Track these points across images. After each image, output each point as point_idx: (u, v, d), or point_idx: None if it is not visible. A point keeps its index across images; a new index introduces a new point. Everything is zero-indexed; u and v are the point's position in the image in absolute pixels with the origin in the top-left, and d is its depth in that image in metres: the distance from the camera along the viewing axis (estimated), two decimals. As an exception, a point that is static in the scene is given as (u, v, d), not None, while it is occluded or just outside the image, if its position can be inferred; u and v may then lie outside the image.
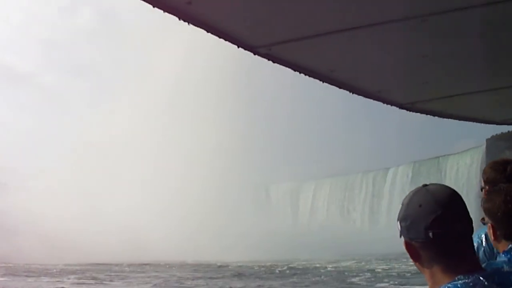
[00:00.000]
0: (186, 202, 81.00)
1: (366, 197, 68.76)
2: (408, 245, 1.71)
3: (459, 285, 1.59)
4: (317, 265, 44.87)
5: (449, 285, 1.60)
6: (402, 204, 1.77)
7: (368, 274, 32.27)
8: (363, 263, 40.71)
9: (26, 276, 34.32)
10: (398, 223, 1.75)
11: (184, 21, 3.29)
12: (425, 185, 1.75)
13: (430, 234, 1.63)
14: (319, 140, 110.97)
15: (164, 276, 37.35)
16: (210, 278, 34.05)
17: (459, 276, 1.61)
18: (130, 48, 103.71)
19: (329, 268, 41.01)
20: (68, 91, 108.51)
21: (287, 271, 39.24)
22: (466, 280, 1.60)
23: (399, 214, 1.75)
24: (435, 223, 1.64)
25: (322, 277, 33.06)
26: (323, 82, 4.46)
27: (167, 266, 49.03)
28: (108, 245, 61.21)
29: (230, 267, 45.93)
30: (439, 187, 1.72)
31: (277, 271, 39.40)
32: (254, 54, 3.92)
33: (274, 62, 4.01)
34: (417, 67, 4.40)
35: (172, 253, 61.44)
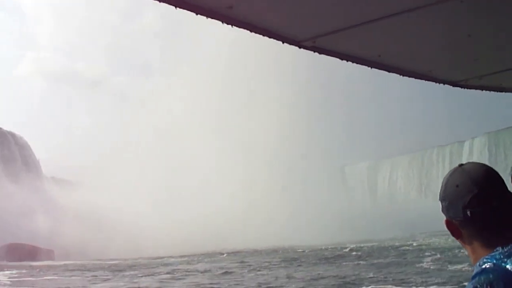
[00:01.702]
0: (257, 189, 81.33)
1: (444, 172, 67.20)
2: (448, 224, 1.87)
3: (497, 256, 1.72)
4: (397, 244, 44.33)
5: (488, 257, 1.74)
6: (442, 185, 1.93)
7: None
8: (450, 240, 39.92)
9: (116, 271, 35.42)
10: (440, 202, 1.91)
11: (227, 24, 3.48)
12: (461, 165, 1.88)
13: (468, 212, 1.77)
14: (392, 118, 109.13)
15: (249, 262, 37.74)
16: (290, 263, 34.07)
17: (497, 248, 1.74)
18: (190, 45, 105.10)
19: (409, 247, 40.48)
20: (136, 91, 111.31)
21: (368, 253, 38.98)
22: (503, 250, 1.73)
23: (439, 194, 1.92)
24: (472, 202, 1.77)
25: (407, 257, 32.62)
26: (371, 67, 4.57)
27: (243, 254, 49.60)
28: (185, 237, 62.33)
29: (309, 251, 46.04)
30: (475, 166, 1.84)
31: (356, 253, 39.23)
32: (300, 48, 4.06)
33: (320, 53, 4.14)
34: (464, 46, 4.44)
35: (250, 240, 61.95)
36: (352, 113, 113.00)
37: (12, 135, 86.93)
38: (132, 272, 33.08)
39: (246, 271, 30.40)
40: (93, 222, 65.87)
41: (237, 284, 24.12)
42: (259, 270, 29.88)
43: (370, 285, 20.15)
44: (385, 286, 19.77)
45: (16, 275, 33.56)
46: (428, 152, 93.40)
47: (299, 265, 32.80)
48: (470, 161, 1.94)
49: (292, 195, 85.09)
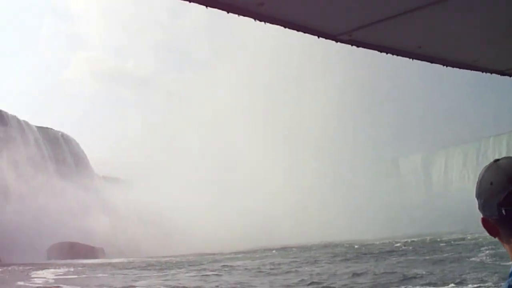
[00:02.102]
0: (306, 183, 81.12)
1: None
2: (485, 222, 1.79)
3: None
4: (451, 237, 43.51)
5: None
6: (477, 181, 1.85)
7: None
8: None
9: (161, 268, 35.83)
10: (476, 200, 1.84)
11: (260, 21, 3.45)
12: (496, 160, 1.80)
13: (503, 211, 1.69)
14: (445, 108, 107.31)
15: (305, 257, 37.70)
16: (347, 259, 33.84)
17: None
18: (236, 39, 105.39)
19: (464, 241, 39.69)
20: (185, 88, 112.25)
21: (420, 247, 38.39)
22: None
23: (475, 191, 1.84)
24: (507, 200, 1.68)
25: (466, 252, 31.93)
26: (412, 59, 4.46)
27: (294, 250, 49.52)
28: (236, 233, 62.59)
29: (360, 245, 45.69)
30: (511, 162, 1.74)
31: (408, 247, 38.69)
32: (336, 42, 3.99)
33: (357, 46, 4.06)
34: (511, 33, 4.30)
35: (299, 236, 61.83)
36: (403, 105, 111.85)
37: (63, 135, 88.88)
38: (178, 270, 33.38)
39: (291, 267, 30.32)
40: (144, 220, 66.84)
41: (281, 280, 24.09)
42: (300, 267, 29.69)
43: (421, 282, 19.78)
44: (437, 283, 19.37)
45: (62, 273, 34.30)
46: (483, 142, 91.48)
47: (347, 260, 32.54)
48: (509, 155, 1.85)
49: (342, 189, 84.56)
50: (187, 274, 29.06)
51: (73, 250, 59.27)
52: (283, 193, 79.54)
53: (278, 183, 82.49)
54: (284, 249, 51.46)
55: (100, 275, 31.63)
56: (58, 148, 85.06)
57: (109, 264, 45.15)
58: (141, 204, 71.05)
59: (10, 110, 79.11)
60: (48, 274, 32.79)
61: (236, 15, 3.34)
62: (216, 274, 27.75)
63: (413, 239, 45.62)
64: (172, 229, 65.64)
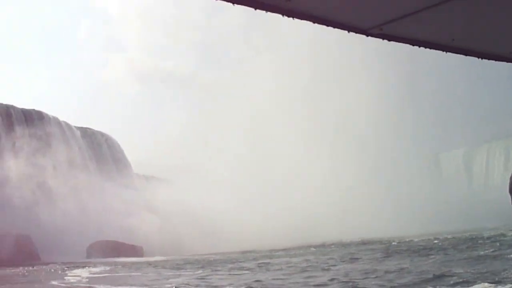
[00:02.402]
0: (345, 180, 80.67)
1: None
2: None
3: None
4: (493, 234, 42.76)
5: None
6: (510, 177, 1.83)
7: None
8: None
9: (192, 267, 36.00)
10: (509, 194, 1.81)
11: (288, 16, 3.42)
12: None
13: None
14: (487, 102, 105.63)
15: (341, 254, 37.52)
16: (385, 256, 33.52)
17: None
18: (274, 36, 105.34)
19: (506, 238, 38.99)
20: (225, 86, 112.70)
21: (461, 244, 37.81)
22: None
23: (509, 186, 1.81)
24: None
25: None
26: (445, 52, 4.39)
27: (332, 247, 49.36)
28: (274, 231, 62.63)
29: (399, 242, 45.26)
30: None
31: (447, 244, 38.14)
32: (367, 36, 3.95)
33: (389, 40, 4.00)
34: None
35: (342, 233, 61.54)
36: (444, 99, 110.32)
37: (103, 135, 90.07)
38: (214, 267, 33.46)
39: (328, 265, 30.17)
40: (184, 219, 67.28)
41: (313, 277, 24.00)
42: (335, 265, 29.49)
43: (458, 280, 19.41)
44: (475, 281, 19.01)
45: (97, 272, 34.71)
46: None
47: (385, 257, 32.23)
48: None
49: (383, 185, 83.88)
50: (221, 272, 29.11)
51: (113, 249, 59.98)
52: (323, 190, 79.26)
53: (317, 180, 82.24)
54: (323, 246, 51.36)
55: (134, 273, 31.89)
56: (98, 148, 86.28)
57: (147, 262, 45.58)
58: (181, 203, 71.58)
59: (50, 111, 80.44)
60: (83, 273, 33.21)
61: (264, 12, 3.33)
62: (249, 272, 27.71)
63: (453, 236, 44.98)
64: (212, 228, 65.99)
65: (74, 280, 27.91)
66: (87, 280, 28.67)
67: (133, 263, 46.97)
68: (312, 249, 49.20)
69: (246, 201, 75.66)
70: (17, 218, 60.36)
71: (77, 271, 34.63)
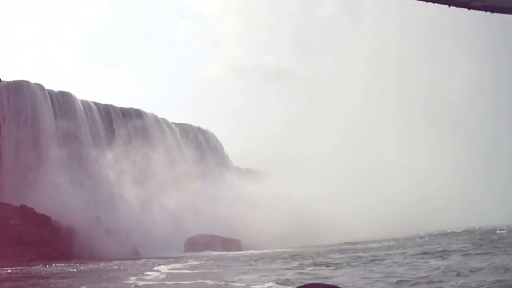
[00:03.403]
0: (444, 167, 78.12)
1: None
2: None
3: None
4: None
5: None
6: None
7: None
8: None
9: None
10: None
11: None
12: None
13: None
14: None
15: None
16: (491, 247, 31.96)
17: None
18: (367, 25, 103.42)
19: None
20: (323, 80, 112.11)
21: None
22: None
23: None
24: None
25: None
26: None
27: (440, 236, 47.67)
28: (376, 222, 61.39)
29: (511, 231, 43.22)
30: None
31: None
32: (469, 9, 3.38)
33: (492, 12, 3.39)
34: None
35: (446, 222, 59.64)
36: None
37: (200, 129, 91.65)
38: (304, 261, 32.72)
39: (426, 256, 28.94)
40: (283, 212, 67.07)
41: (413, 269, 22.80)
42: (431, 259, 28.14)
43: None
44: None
45: (179, 267, 34.72)
46: None
47: (487, 248, 30.53)
48: None
49: (485, 172, 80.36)
50: (308, 267, 28.19)
51: (210, 243, 60.65)
52: (424, 179, 77.17)
53: (419, 169, 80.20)
54: (429, 236, 49.99)
55: (215, 270, 31.56)
56: (196, 143, 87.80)
57: (241, 256, 45.60)
58: (280, 196, 71.61)
59: (150, 109, 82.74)
60: (164, 269, 33.27)
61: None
62: (336, 268, 26.69)
63: None
64: (312, 220, 65.44)
65: (151, 277, 27.76)
66: (165, 276, 28.48)
67: (224, 256, 47.14)
68: (418, 239, 47.76)
69: (346, 192, 74.86)
70: (118, 214, 62.25)
71: (161, 267, 34.76)
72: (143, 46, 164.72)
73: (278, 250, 50.26)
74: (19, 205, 58.06)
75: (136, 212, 65.07)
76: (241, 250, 59.99)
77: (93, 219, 59.77)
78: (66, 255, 53.04)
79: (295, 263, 30.87)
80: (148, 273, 30.40)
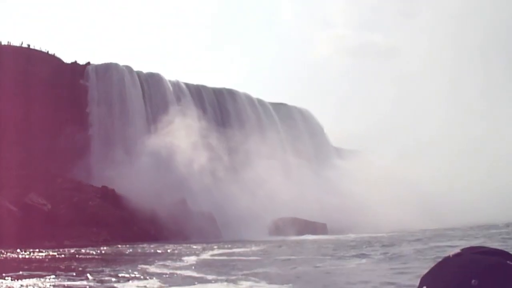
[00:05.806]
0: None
1: None
2: None
3: None
4: None
5: None
6: None
7: None
8: None
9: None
10: None
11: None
12: None
13: None
14: None
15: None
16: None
17: None
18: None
19: None
20: (435, 58, 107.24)
21: None
22: None
23: None
24: None
25: None
26: None
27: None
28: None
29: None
30: None
31: None
32: None
33: None
34: None
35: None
36: None
37: (297, 109, 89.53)
38: (398, 247, 30.24)
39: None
40: (401, 192, 63.86)
41: None
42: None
43: None
44: None
45: (230, 253, 33.14)
46: None
47: None
48: None
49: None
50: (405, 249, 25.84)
51: (294, 226, 58.35)
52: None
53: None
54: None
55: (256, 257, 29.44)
56: (291, 122, 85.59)
57: (317, 240, 43.22)
58: (394, 177, 68.51)
59: (251, 90, 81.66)
60: (205, 256, 31.51)
61: None
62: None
63: None
64: (430, 203, 62.15)
65: (184, 264, 26.02)
66: (195, 262, 26.71)
67: (310, 240, 45.15)
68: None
69: (464, 175, 70.95)
70: (201, 196, 61.34)
71: (212, 252, 33.34)
72: (245, 27, 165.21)
73: (364, 234, 47.47)
74: (100, 186, 58.71)
75: (221, 194, 63.79)
76: (327, 233, 57.36)
77: (178, 201, 59.20)
78: (142, 236, 52.64)
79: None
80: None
